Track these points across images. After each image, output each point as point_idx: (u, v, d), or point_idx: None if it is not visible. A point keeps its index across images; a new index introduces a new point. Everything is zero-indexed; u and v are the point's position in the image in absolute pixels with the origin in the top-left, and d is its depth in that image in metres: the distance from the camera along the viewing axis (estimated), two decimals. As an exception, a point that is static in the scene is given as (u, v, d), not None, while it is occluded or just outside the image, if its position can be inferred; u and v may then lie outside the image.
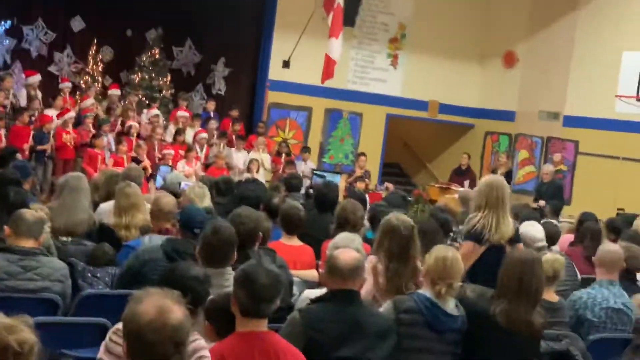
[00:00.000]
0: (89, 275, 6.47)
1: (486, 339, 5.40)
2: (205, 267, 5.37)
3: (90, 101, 17.85)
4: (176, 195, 8.70)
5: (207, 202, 8.44)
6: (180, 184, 9.84)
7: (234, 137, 18.60)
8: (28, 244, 5.83)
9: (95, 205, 8.13)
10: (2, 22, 19.07)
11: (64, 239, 7.23)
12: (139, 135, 17.33)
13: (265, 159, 17.95)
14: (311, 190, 12.06)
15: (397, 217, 6.32)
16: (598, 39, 19.26)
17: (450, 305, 5.35)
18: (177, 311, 3.10)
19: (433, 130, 22.59)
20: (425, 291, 5.37)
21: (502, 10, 21.61)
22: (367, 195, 12.75)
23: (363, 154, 18.85)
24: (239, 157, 17.84)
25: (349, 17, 19.87)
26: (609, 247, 7.26)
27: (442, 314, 5.29)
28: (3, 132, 15.33)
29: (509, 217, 6.92)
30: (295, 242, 7.47)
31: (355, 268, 4.96)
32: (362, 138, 21.50)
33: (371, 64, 21.48)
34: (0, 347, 2.80)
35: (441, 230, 7.95)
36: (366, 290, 5.80)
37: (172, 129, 18.13)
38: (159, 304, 3.09)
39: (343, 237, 6.52)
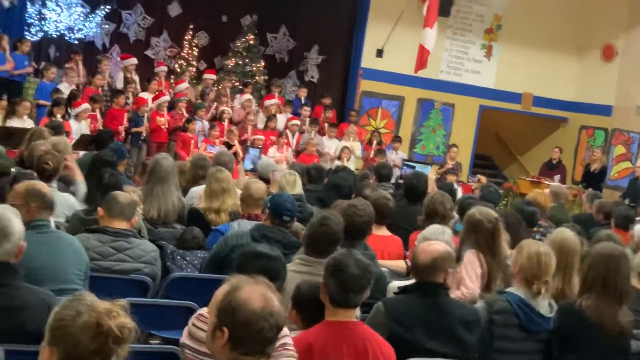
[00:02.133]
0: (179, 258, 6.53)
1: (576, 335, 5.28)
2: (307, 255, 5.40)
3: (185, 85, 18.09)
4: (267, 181, 8.74)
5: (298, 189, 8.45)
6: (272, 170, 9.86)
7: (325, 124, 18.61)
8: (120, 225, 5.90)
9: (182, 188, 8.20)
10: (102, 7, 19.41)
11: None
12: (231, 121, 17.47)
13: (356, 147, 17.87)
14: (401, 181, 11.99)
15: (479, 210, 6.28)
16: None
17: (544, 305, 5.23)
18: (275, 297, 3.15)
19: (526, 123, 22.27)
20: (518, 290, 5.25)
21: (600, 1, 21.13)
22: (459, 187, 12.63)
23: (455, 145, 18.69)
24: (330, 145, 17.83)
25: (444, 7, 19.71)
26: None
27: (536, 316, 5.18)
28: (98, 113, 15.62)
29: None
30: (384, 232, 7.44)
31: (433, 264, 4.91)
32: (454, 129, 21.31)
33: (465, 55, 21.27)
34: (101, 332, 2.82)
35: (524, 223, 7.86)
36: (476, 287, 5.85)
37: (262, 116, 18.22)
38: (261, 291, 3.14)
39: (433, 229, 6.48)
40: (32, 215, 5.21)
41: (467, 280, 5.91)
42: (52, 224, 5.35)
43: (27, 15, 18.18)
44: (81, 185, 7.92)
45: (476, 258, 6.03)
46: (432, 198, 7.78)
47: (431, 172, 15.12)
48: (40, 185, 5.53)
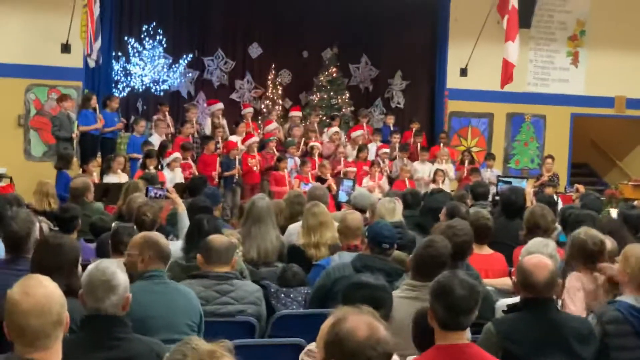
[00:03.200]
0: (283, 296, 6.53)
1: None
2: (414, 279, 5.36)
3: (274, 125, 18.19)
4: (362, 211, 8.71)
5: (398, 216, 8.41)
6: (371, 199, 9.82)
7: (417, 148, 18.52)
8: (222, 269, 5.93)
9: (280, 227, 8.20)
10: (185, 56, 19.76)
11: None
12: (321, 155, 17.50)
13: (449, 168, 17.77)
14: (497, 197, 11.85)
15: (585, 231, 6.15)
16: None
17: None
18: (381, 325, 3.14)
19: (621, 127, 21.82)
20: (628, 298, 5.11)
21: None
22: (559, 199, 12.41)
23: (550, 156, 18.39)
24: (423, 169, 17.75)
25: (524, 18, 19.47)
26: None
27: (650, 321, 5.03)
28: (191, 161, 15.84)
29: None
30: (486, 250, 7.34)
31: (549, 283, 4.82)
32: (547, 140, 21.02)
33: (551, 64, 20.99)
34: None
35: (625, 226, 7.67)
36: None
37: (350, 148, 18.20)
38: (366, 320, 3.13)
39: (536, 242, 6.35)
40: (147, 265, 5.34)
41: (571, 305, 5.77)
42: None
43: (113, 72, 18.63)
44: (184, 217, 8.04)
45: (579, 281, 5.89)
46: (533, 211, 7.68)
47: (528, 186, 14.90)
48: (157, 236, 5.63)
